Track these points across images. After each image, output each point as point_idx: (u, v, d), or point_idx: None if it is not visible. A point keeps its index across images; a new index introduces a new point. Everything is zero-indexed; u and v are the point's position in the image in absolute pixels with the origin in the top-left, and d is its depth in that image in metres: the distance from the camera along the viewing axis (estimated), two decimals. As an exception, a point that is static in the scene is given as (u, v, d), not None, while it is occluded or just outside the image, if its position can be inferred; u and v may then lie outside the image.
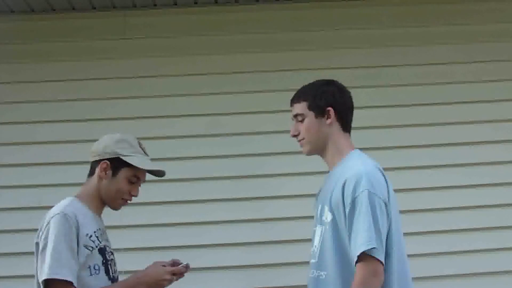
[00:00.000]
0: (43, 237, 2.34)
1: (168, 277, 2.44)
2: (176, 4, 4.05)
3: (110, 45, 4.01)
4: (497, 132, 3.94)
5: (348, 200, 2.27)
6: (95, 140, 2.66)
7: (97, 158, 2.51)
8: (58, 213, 2.34)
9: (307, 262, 2.49)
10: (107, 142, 2.52)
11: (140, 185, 2.56)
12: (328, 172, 2.51)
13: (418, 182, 3.83)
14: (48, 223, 2.34)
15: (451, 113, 3.96)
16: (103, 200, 2.52)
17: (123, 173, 2.49)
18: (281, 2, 4.10)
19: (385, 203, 2.29)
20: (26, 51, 3.99)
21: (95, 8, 4.04)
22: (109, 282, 2.45)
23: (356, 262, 2.22)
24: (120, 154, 2.48)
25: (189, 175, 3.82)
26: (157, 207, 3.77)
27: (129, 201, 2.55)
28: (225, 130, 3.90)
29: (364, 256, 2.21)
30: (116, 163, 2.48)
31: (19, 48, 4.00)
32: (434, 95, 3.97)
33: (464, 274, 3.75)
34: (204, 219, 3.78)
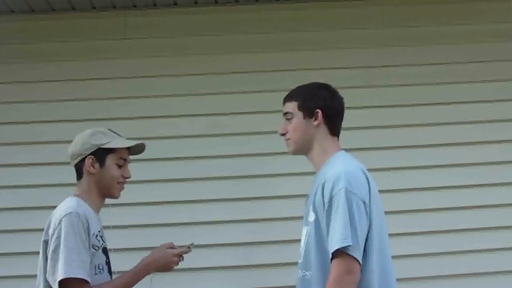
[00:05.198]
0: (55, 236, 2.35)
1: (175, 259, 2.53)
2: (176, 4, 4.05)
3: (110, 45, 4.01)
4: (497, 132, 3.94)
5: (326, 199, 2.28)
6: (95, 140, 2.67)
7: (79, 159, 2.55)
8: (70, 212, 2.37)
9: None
10: (82, 140, 2.57)
11: (127, 166, 2.60)
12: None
13: (418, 182, 3.82)
14: (60, 222, 2.35)
15: (451, 113, 3.95)
16: (102, 193, 2.55)
17: (109, 160, 2.54)
18: (281, 2, 4.09)
19: (364, 202, 2.27)
20: (26, 51, 3.98)
21: (95, 8, 4.04)
22: (111, 282, 2.48)
23: (331, 259, 2.22)
24: (99, 144, 2.53)
25: (189, 175, 3.81)
26: (157, 207, 3.76)
27: (125, 184, 2.59)
28: (225, 130, 3.90)
29: (339, 254, 2.20)
30: (100, 154, 2.53)
31: (19, 48, 4.00)
32: (434, 95, 3.97)
33: (464, 274, 3.75)
34: (204, 219, 3.78)
